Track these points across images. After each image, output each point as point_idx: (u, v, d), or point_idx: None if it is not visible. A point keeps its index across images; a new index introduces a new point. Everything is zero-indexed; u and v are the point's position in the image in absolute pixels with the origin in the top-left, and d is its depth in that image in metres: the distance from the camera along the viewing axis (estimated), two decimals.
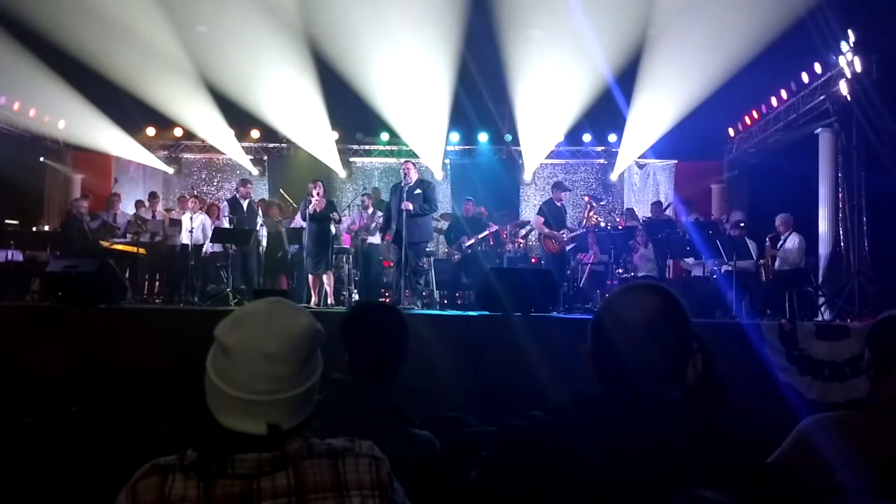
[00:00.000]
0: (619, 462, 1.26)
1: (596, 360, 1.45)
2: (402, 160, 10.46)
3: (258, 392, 1.37)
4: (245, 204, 10.18)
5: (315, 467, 1.42)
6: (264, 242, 10.39)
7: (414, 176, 8.78)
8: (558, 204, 9.96)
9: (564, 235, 9.76)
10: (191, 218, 10.18)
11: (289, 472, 1.39)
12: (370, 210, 10.72)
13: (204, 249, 10.26)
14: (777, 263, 9.16)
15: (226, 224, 10.10)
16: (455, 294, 10.93)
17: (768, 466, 1.73)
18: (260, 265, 10.45)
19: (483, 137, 13.87)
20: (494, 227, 10.85)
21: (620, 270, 9.93)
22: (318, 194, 9.20)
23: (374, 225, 10.45)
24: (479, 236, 10.61)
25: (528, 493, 1.31)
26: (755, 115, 12.39)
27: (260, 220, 10.32)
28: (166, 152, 14.38)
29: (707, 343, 2.21)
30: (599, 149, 14.08)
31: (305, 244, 9.26)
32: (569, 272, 10.56)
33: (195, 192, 12.77)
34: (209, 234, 10.12)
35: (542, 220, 9.80)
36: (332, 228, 9.50)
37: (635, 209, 12.55)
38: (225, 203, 10.66)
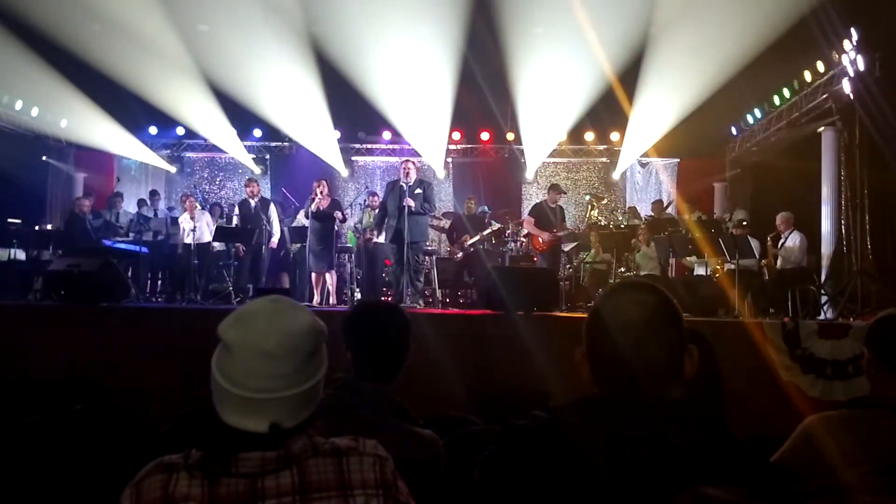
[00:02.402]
0: (623, 461, 1.26)
1: (595, 360, 1.44)
2: (403, 159, 10.47)
3: (259, 390, 1.38)
4: (252, 203, 10.16)
5: (319, 466, 1.42)
6: (275, 239, 10.32)
7: (414, 175, 8.80)
8: (552, 205, 10.05)
9: (555, 232, 9.83)
10: (192, 217, 10.20)
11: (293, 471, 1.39)
12: (377, 210, 10.71)
13: (212, 248, 10.32)
14: (779, 262, 9.15)
15: (235, 223, 10.11)
16: (457, 293, 10.93)
17: (772, 465, 1.73)
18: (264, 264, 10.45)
19: (485, 136, 13.87)
20: (497, 226, 10.85)
21: (623, 269, 9.92)
22: (321, 192, 9.21)
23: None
24: (482, 234, 10.61)
25: (531, 493, 1.31)
26: (758, 113, 12.38)
27: (273, 217, 10.27)
28: (168, 151, 14.39)
29: (710, 341, 2.21)
30: (602, 147, 14.06)
31: (308, 242, 9.26)
32: (570, 270, 10.58)
33: (197, 190, 12.79)
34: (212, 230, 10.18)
35: (533, 220, 9.98)
36: (337, 226, 9.50)
37: (637, 207, 12.54)
38: (235, 205, 10.64)
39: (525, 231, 11.22)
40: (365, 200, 11.03)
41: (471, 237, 10.57)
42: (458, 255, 10.79)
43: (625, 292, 1.47)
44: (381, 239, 10.37)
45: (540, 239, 9.86)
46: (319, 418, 1.51)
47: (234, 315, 1.44)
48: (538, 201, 10.81)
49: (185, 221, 10.23)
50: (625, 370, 1.37)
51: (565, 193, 11.49)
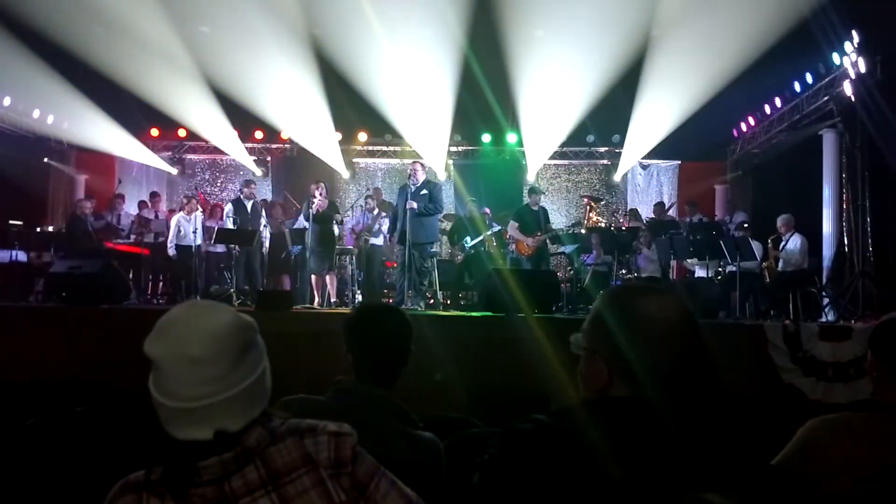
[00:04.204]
0: (625, 465, 1.25)
1: (605, 361, 1.43)
2: (411, 161, 10.48)
3: (194, 398, 1.34)
4: (249, 204, 10.19)
5: (281, 450, 1.40)
6: (267, 244, 10.41)
7: (421, 176, 8.82)
8: (535, 208, 10.12)
9: (537, 236, 9.85)
10: (186, 219, 10.20)
11: (257, 464, 1.37)
12: (375, 211, 10.73)
13: (206, 249, 10.33)
14: (780, 264, 9.15)
15: (230, 225, 10.11)
16: (458, 295, 10.93)
17: (773, 468, 1.73)
18: (263, 266, 10.46)
19: (486, 138, 13.87)
20: (497, 228, 10.86)
21: (624, 271, 9.92)
22: (320, 195, 9.22)
23: (377, 226, 10.46)
24: (482, 237, 10.62)
25: (532, 497, 1.30)
26: (759, 115, 12.38)
27: (263, 221, 10.34)
28: (170, 153, 14.41)
29: (711, 344, 2.21)
30: (603, 149, 14.06)
31: (309, 244, 9.27)
32: (572, 272, 10.58)
33: (198, 192, 12.80)
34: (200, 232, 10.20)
35: (517, 224, 10.06)
36: (335, 229, 9.53)
37: (639, 210, 12.55)
38: (229, 204, 10.66)
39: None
40: (367, 203, 11.03)
41: (471, 239, 10.60)
42: (459, 257, 10.81)
43: (648, 296, 1.46)
44: (379, 240, 10.40)
45: (526, 244, 9.93)
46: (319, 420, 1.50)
47: (155, 328, 1.40)
48: (521, 205, 10.88)
49: (183, 221, 10.23)
50: (630, 371, 1.37)
51: (544, 193, 11.51)
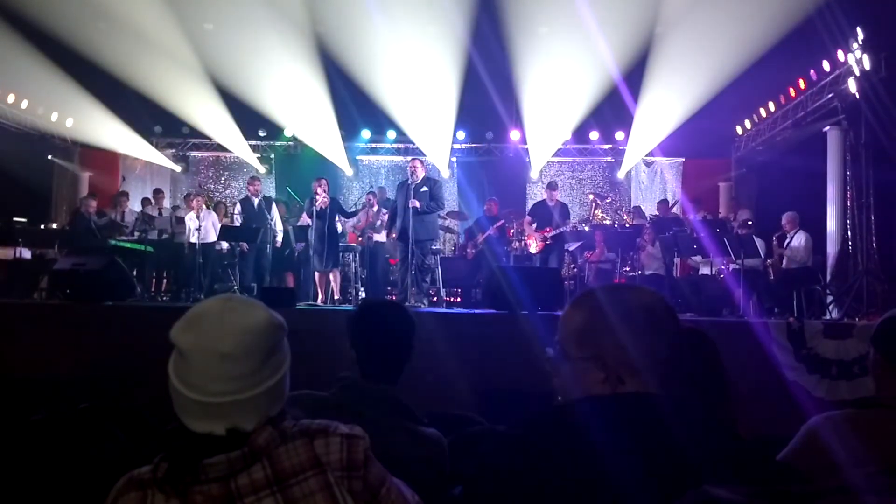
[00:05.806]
0: (626, 460, 1.25)
1: (596, 357, 1.42)
2: (410, 158, 10.49)
3: (217, 394, 1.34)
4: (255, 202, 10.20)
5: (290, 451, 1.38)
6: (279, 238, 10.39)
7: (421, 174, 8.80)
8: (550, 203, 10.07)
9: (544, 232, 9.87)
10: (197, 217, 10.23)
11: (264, 464, 1.35)
12: (375, 208, 10.73)
13: (220, 247, 10.35)
14: (784, 262, 9.14)
15: (237, 222, 10.13)
16: (470, 292, 10.92)
17: (777, 464, 1.72)
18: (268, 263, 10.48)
19: (490, 135, 13.87)
20: (501, 222, 10.85)
21: (627, 269, 9.91)
22: (323, 192, 9.23)
23: (379, 223, 10.46)
24: (488, 232, 10.62)
25: (530, 496, 1.29)
26: (763, 112, 12.35)
27: (276, 216, 10.32)
28: (174, 150, 14.42)
29: (714, 341, 2.21)
30: (607, 146, 14.05)
31: (312, 242, 9.28)
32: (575, 269, 10.57)
33: (203, 189, 12.83)
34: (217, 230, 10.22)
35: (530, 219, 10.08)
36: (339, 226, 9.54)
37: (642, 207, 12.53)
38: (237, 203, 10.68)
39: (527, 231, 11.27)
40: (368, 200, 11.03)
41: (482, 235, 10.64)
42: (471, 253, 10.84)
43: (623, 292, 1.47)
44: (383, 237, 10.40)
45: (534, 239, 9.93)
46: (323, 417, 1.49)
47: (186, 317, 1.40)
48: (538, 200, 10.86)
49: (190, 220, 10.26)
50: (628, 366, 1.37)
51: (556, 190, 11.54)
